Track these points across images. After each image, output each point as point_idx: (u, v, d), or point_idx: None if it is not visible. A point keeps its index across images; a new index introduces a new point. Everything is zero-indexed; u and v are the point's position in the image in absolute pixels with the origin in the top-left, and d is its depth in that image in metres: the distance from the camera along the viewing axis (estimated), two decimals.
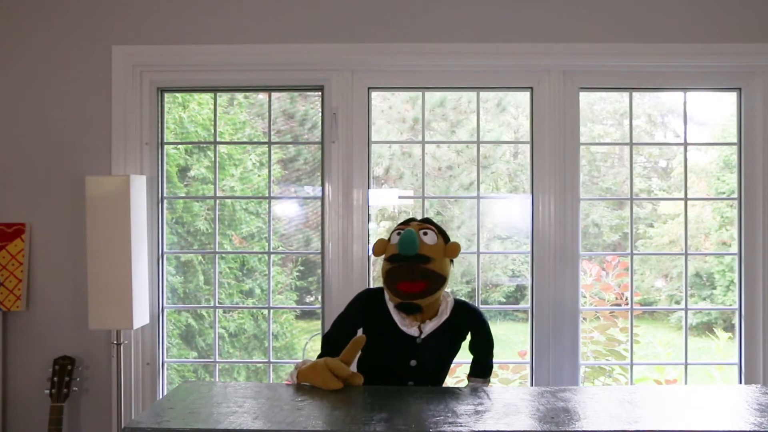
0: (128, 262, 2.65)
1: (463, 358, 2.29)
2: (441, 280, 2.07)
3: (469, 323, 2.17)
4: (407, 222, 2.19)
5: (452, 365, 2.25)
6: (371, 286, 2.16)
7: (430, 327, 2.09)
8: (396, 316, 2.09)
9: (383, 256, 2.13)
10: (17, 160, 2.90)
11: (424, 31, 2.88)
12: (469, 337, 2.19)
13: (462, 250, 2.14)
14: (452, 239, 2.16)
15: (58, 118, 2.90)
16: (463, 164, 6.86)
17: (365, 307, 2.15)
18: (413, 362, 2.09)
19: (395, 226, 2.21)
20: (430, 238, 2.08)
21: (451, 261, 2.15)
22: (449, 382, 2.47)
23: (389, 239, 2.15)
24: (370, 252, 2.94)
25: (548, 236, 2.91)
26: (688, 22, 2.88)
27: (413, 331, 2.08)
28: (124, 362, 2.84)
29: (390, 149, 6.91)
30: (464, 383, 2.27)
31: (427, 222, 2.18)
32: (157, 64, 2.91)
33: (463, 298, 2.25)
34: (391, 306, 2.11)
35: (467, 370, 2.25)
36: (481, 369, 2.19)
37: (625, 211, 6.31)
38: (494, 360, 2.21)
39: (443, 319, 2.11)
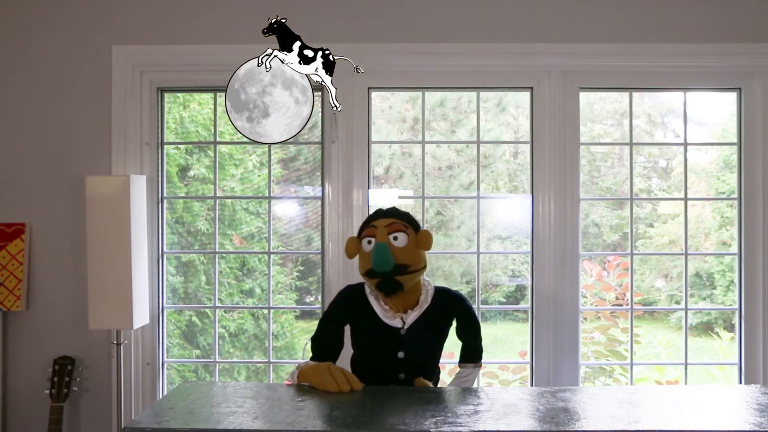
0: (128, 262, 2.65)
1: (456, 358, 2.28)
2: (420, 270, 2.10)
3: (454, 309, 2.17)
4: (374, 218, 2.15)
5: (447, 366, 2.24)
6: (351, 284, 2.18)
7: (412, 317, 2.09)
8: (378, 309, 2.09)
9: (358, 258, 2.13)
10: (17, 160, 2.90)
11: (424, 31, 2.88)
12: (455, 323, 2.19)
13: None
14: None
15: (58, 118, 2.90)
16: (463, 164, 6.86)
17: (348, 305, 2.15)
18: (401, 354, 2.09)
19: (362, 223, 2.19)
20: (401, 240, 2.06)
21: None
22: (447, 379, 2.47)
23: (359, 237, 2.14)
24: None
25: (548, 236, 2.91)
26: (687, 22, 2.88)
27: (396, 322, 2.08)
28: (124, 362, 2.84)
29: (390, 149, 6.91)
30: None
31: (393, 215, 2.13)
32: (157, 64, 2.91)
33: (443, 285, 2.25)
34: (372, 300, 2.10)
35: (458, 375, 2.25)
36: (472, 354, 2.20)
37: (625, 211, 6.30)
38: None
39: (425, 308, 2.11)
